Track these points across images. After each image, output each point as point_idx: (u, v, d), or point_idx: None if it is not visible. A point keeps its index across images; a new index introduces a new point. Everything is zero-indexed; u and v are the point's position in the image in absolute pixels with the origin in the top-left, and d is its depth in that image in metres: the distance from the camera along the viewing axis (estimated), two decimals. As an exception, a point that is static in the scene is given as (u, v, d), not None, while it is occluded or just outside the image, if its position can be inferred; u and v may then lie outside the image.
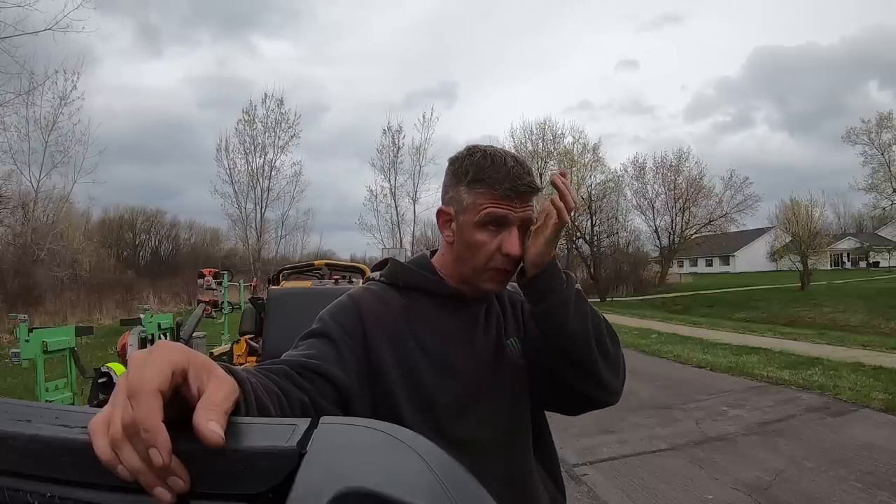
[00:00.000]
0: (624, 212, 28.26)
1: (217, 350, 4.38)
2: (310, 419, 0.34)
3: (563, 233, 0.82)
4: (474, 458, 0.60)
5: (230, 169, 25.79)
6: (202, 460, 0.32)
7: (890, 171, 25.46)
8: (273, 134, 26.14)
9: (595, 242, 26.14)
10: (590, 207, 25.56)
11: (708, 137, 78.46)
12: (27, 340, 3.40)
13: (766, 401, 5.11)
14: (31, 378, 4.31)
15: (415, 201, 27.17)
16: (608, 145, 78.64)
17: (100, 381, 2.98)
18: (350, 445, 0.33)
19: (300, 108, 40.48)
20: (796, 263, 22.86)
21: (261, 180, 26.08)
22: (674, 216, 28.46)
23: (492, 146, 0.84)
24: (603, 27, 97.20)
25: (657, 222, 28.81)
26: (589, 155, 26.69)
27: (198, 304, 5.56)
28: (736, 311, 17.68)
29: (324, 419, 0.35)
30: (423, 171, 26.88)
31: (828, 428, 4.21)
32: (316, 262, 5.01)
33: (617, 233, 27.78)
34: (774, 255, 29.55)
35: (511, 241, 0.79)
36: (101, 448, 0.31)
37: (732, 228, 28.92)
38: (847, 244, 40.40)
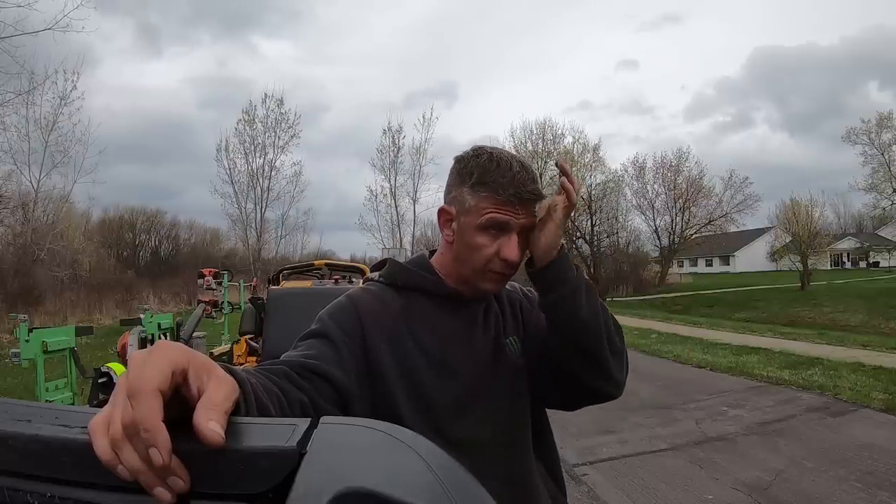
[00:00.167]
0: (624, 212, 28.34)
1: (217, 350, 4.37)
2: (310, 419, 0.34)
3: (564, 232, 0.82)
4: (474, 458, 0.60)
5: (230, 169, 25.84)
6: (202, 460, 0.32)
7: (890, 171, 25.49)
8: (273, 134, 26.18)
9: (595, 242, 26.16)
10: (590, 207, 25.57)
11: (708, 137, 78.41)
12: (27, 340, 3.40)
13: (766, 401, 5.11)
14: (31, 378, 4.31)
15: (415, 201, 27.20)
16: (608, 145, 78.66)
17: (100, 381, 2.98)
18: (350, 445, 0.33)
19: (300, 108, 40.77)
20: (796, 263, 22.85)
21: (261, 180, 26.12)
22: (674, 216, 28.53)
23: (498, 148, 0.83)
24: (603, 27, 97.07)
25: (657, 222, 28.91)
26: (589, 155, 26.80)
27: (198, 304, 5.55)
28: (736, 311, 17.67)
29: (324, 419, 0.35)
30: (423, 171, 26.91)
31: (828, 428, 4.21)
32: (316, 263, 5.00)
33: (617, 233, 27.83)
34: (774, 255, 29.52)
35: (510, 247, 0.79)
36: (101, 448, 0.31)
37: (732, 228, 28.95)
38: (847, 244, 40.38)
